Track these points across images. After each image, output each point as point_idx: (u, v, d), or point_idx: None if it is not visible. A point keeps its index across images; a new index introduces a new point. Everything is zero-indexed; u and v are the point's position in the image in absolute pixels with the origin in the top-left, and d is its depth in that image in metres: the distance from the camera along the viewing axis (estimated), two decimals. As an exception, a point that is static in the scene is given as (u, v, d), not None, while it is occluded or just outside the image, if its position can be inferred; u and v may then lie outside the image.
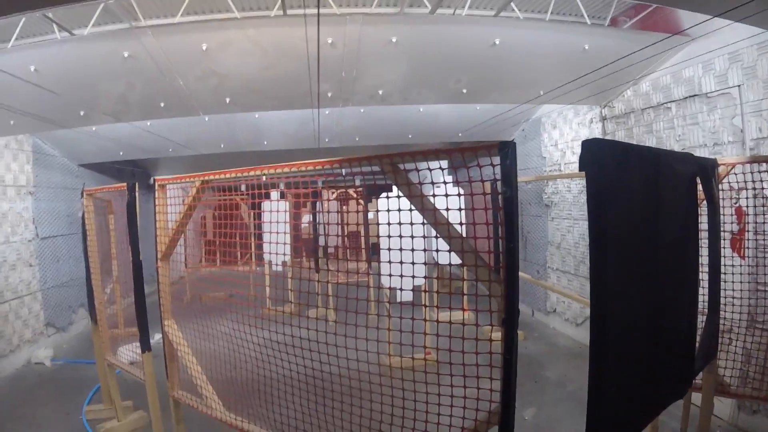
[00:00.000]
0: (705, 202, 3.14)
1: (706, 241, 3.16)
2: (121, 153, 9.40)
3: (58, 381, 6.90)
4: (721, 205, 3.68)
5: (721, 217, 3.76)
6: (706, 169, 3.03)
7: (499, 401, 1.99)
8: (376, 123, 9.01)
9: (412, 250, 2.29)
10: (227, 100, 6.22)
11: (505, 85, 6.64)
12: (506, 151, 1.85)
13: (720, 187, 3.58)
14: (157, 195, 3.83)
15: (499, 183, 1.91)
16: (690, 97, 5.41)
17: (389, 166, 2.19)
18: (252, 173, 2.91)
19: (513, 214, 1.87)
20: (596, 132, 7.18)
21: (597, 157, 1.89)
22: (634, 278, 2.13)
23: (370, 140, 9.71)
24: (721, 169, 3.72)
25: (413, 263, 2.30)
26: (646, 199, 2.26)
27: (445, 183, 2.20)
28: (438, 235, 2.14)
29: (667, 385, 2.44)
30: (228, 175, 3.15)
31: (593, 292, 1.90)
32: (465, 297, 7.50)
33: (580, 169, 1.89)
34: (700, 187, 3.00)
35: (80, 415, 5.52)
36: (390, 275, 2.49)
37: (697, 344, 2.98)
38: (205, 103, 6.34)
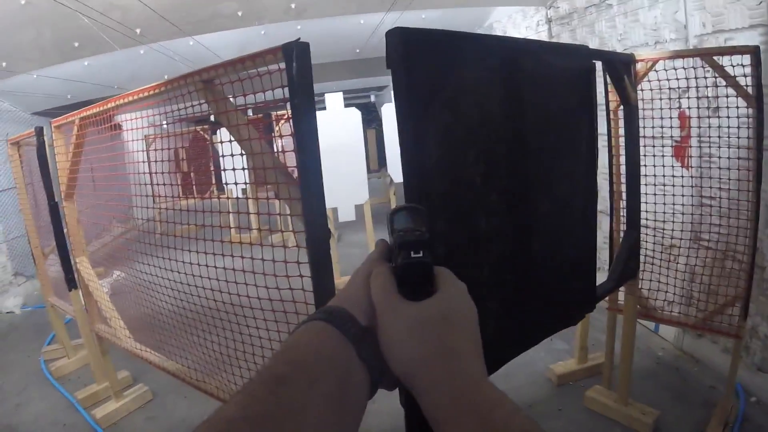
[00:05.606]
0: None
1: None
2: (69, 96, 9.17)
3: (25, 327, 7.09)
4: (659, 107, 3.45)
5: (660, 121, 3.52)
6: (614, 66, 2.64)
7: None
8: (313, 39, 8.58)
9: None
10: (138, 31, 5.92)
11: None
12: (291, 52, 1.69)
13: (649, 87, 3.33)
14: (54, 137, 3.77)
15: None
16: (631, -10, 5.07)
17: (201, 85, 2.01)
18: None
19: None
20: (543, 35, 6.86)
21: (408, 51, 1.37)
22: (469, 195, 1.83)
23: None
24: (640, 66, 3.40)
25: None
26: (489, 101, 1.87)
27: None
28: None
29: (547, 314, 2.02)
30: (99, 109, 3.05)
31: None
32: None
33: (388, 67, 1.52)
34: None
35: (38, 356, 5.69)
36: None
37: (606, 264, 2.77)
38: (117, 38, 5.98)
